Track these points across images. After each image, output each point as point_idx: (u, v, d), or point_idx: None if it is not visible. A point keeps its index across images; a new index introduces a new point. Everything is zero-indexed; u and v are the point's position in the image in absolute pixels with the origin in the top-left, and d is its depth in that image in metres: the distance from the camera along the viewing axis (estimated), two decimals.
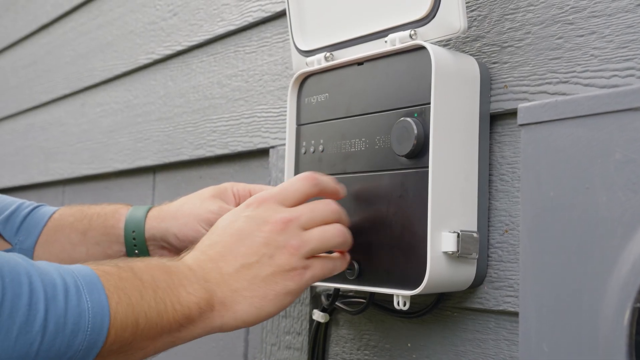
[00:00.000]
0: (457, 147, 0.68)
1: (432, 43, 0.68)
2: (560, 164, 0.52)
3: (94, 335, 0.54)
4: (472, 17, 0.74)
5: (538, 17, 0.68)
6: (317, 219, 0.67)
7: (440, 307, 0.75)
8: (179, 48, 1.27)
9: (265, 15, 1.05)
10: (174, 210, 0.83)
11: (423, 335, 0.77)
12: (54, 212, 0.89)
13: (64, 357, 0.53)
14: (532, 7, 0.69)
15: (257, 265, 0.64)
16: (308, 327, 0.90)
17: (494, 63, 0.72)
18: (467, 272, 0.69)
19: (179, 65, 1.28)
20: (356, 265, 0.73)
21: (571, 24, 0.65)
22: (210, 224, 0.80)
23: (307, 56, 0.83)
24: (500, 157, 0.71)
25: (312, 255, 0.67)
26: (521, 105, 0.56)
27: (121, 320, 0.56)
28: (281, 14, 1.03)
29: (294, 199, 0.68)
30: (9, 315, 0.50)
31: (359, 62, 0.76)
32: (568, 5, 0.66)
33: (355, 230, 0.72)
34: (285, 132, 0.97)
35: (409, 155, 0.68)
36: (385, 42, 0.73)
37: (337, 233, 0.68)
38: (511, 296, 0.69)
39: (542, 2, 0.68)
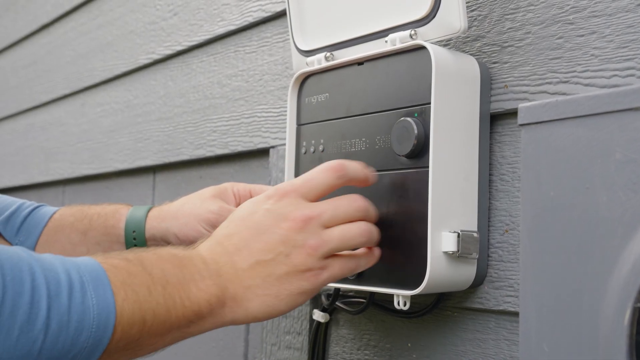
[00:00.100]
0: (457, 147, 0.68)
1: (432, 43, 0.68)
2: (560, 164, 0.52)
3: (99, 332, 0.53)
4: (472, 17, 0.74)
5: (538, 17, 0.68)
6: (340, 217, 0.64)
7: (441, 307, 0.75)
8: (179, 48, 1.27)
9: (265, 15, 1.05)
10: (175, 210, 0.83)
11: (423, 335, 0.77)
12: (54, 212, 0.89)
13: (69, 355, 0.52)
14: (532, 7, 0.69)
15: (272, 263, 0.62)
16: (308, 327, 0.90)
17: (494, 63, 0.72)
18: (467, 272, 0.69)
19: (179, 65, 1.28)
20: None
21: (571, 23, 0.65)
22: (210, 223, 0.80)
23: (308, 56, 0.83)
24: (501, 157, 0.71)
25: (332, 255, 0.64)
26: (521, 105, 0.56)
27: (128, 318, 0.55)
28: (281, 14, 1.03)
29: (317, 192, 0.65)
30: (9, 314, 0.49)
31: (359, 62, 0.76)
32: (568, 5, 0.66)
33: None
34: (285, 132, 0.97)
35: (409, 155, 0.68)
36: (386, 42, 0.73)
37: (360, 232, 0.65)
38: (511, 296, 0.69)
39: (543, 2, 0.68)
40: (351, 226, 0.65)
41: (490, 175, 0.72)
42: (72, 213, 0.88)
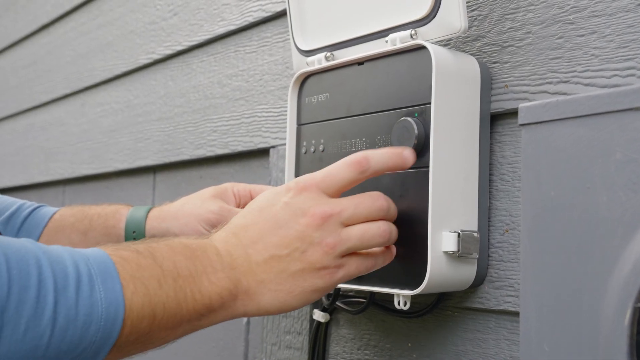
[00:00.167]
0: (457, 147, 0.68)
1: (432, 43, 0.68)
2: (560, 164, 0.52)
3: (108, 326, 0.52)
4: (472, 16, 0.74)
5: (539, 16, 0.68)
6: (360, 216, 0.63)
7: (441, 307, 0.75)
8: (180, 48, 1.27)
9: (265, 15, 1.05)
10: (175, 211, 0.83)
11: (423, 335, 0.77)
12: (54, 213, 0.89)
13: (78, 349, 0.51)
14: (532, 7, 0.69)
15: (287, 258, 0.61)
16: (308, 326, 0.90)
17: (495, 63, 0.72)
18: (467, 272, 0.69)
19: (180, 65, 1.28)
20: None
21: (572, 23, 0.65)
22: (210, 224, 0.80)
23: (308, 56, 0.83)
24: (501, 157, 0.71)
25: (349, 253, 0.63)
26: (522, 105, 0.56)
27: (137, 311, 0.54)
28: (282, 14, 1.03)
29: (338, 187, 0.63)
30: (15, 308, 0.49)
31: (360, 62, 0.76)
32: (569, 4, 0.66)
33: None
34: (285, 131, 0.97)
35: None
36: (386, 41, 0.73)
37: (379, 232, 0.63)
38: (512, 296, 0.69)
39: (543, 2, 0.68)
40: (371, 226, 0.63)
41: (490, 175, 0.72)
42: (72, 213, 0.88)
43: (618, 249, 0.48)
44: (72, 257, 0.54)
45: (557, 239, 0.52)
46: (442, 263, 0.66)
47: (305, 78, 0.83)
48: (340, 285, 0.76)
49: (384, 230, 0.64)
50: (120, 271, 0.54)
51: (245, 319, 1.05)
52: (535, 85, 0.68)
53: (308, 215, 0.61)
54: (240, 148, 1.09)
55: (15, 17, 2.05)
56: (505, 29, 0.71)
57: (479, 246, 0.69)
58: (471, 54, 0.73)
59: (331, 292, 0.83)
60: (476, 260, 0.69)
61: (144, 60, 1.38)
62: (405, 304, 0.69)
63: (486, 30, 0.73)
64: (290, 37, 0.85)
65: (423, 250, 0.66)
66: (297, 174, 0.82)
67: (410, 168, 0.69)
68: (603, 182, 0.49)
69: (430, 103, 0.67)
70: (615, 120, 0.49)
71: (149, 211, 0.85)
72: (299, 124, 0.83)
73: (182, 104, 1.26)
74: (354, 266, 0.63)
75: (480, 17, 0.74)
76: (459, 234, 0.66)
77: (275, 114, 1.03)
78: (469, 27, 0.74)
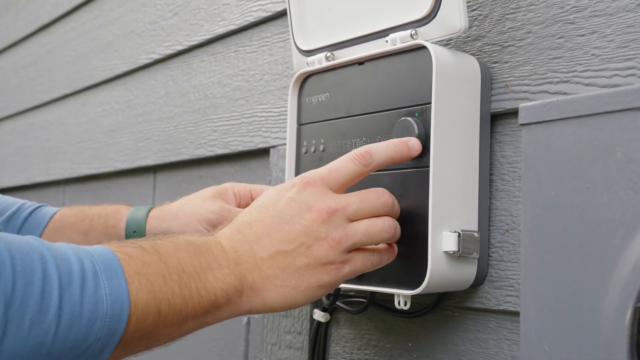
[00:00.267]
0: (458, 147, 0.68)
1: (433, 43, 0.68)
2: (561, 164, 0.52)
3: (113, 323, 0.52)
4: (472, 16, 0.74)
5: (539, 16, 0.68)
6: (365, 211, 0.63)
7: (441, 307, 0.75)
8: (180, 48, 1.27)
9: (265, 14, 1.05)
10: (175, 211, 0.83)
11: (424, 335, 0.77)
12: (55, 213, 0.89)
13: (83, 346, 0.51)
14: (533, 7, 0.69)
15: (292, 254, 0.60)
16: (309, 326, 0.90)
17: (495, 62, 0.72)
18: (467, 272, 0.69)
19: (180, 65, 1.28)
20: None
21: (572, 23, 0.65)
22: (211, 223, 0.80)
23: (308, 56, 0.83)
24: (501, 157, 0.71)
25: (354, 249, 0.63)
26: (522, 105, 0.56)
27: (142, 308, 0.54)
28: (282, 14, 1.03)
29: (343, 182, 0.63)
30: (20, 305, 0.48)
31: (360, 62, 0.76)
32: (569, 4, 0.66)
33: None
34: (285, 131, 0.97)
35: None
36: (386, 41, 0.73)
37: (384, 228, 0.63)
38: (512, 296, 0.69)
39: (543, 2, 0.68)
40: (376, 221, 0.63)
41: (490, 174, 0.72)
42: (72, 213, 0.88)
43: (619, 248, 0.48)
44: (77, 254, 0.53)
45: (557, 238, 0.52)
46: (442, 263, 0.66)
47: (306, 78, 0.83)
48: (341, 285, 0.76)
49: (390, 225, 0.64)
50: (125, 268, 0.54)
51: (245, 319, 1.05)
52: (536, 85, 0.68)
53: (314, 210, 0.61)
54: (240, 148, 1.09)
55: (16, 17, 2.05)
56: (505, 28, 0.71)
57: (479, 246, 0.69)
58: (471, 54, 0.73)
59: (331, 292, 0.83)
60: (476, 260, 0.69)
61: (144, 60, 1.38)
62: (405, 304, 0.69)
63: (486, 30, 0.73)
64: (291, 37, 0.85)
65: (423, 250, 0.66)
66: (297, 174, 0.82)
67: (411, 168, 0.69)
68: (604, 182, 0.49)
69: (430, 103, 0.67)
70: (616, 120, 0.49)
71: (149, 211, 0.85)
72: (299, 124, 0.83)
73: (183, 103, 1.26)
74: (360, 262, 0.63)
75: (481, 17, 0.74)
76: (459, 233, 0.66)
77: (276, 114, 1.03)
78: (469, 27, 0.74)
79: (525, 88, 0.69)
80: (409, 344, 0.79)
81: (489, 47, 0.73)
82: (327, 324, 0.88)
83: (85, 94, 1.64)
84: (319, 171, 0.64)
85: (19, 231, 0.87)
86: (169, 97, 1.31)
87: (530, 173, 0.55)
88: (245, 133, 1.08)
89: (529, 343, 0.53)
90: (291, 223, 0.61)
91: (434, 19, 0.68)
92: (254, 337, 1.03)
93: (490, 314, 0.71)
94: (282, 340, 0.94)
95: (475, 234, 0.68)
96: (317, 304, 0.89)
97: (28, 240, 0.53)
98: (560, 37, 0.66)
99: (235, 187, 0.85)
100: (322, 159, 0.79)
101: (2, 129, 2.11)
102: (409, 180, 0.69)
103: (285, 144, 0.96)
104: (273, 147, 1.02)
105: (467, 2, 0.74)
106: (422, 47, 0.68)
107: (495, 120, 0.72)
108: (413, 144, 0.66)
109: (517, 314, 0.68)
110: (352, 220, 0.62)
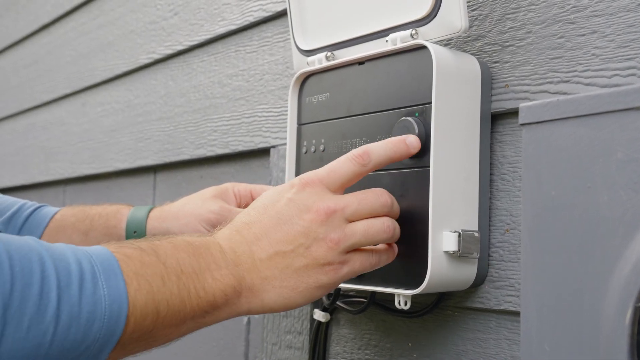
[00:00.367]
0: (458, 147, 0.68)
1: (433, 42, 0.68)
2: (561, 164, 0.52)
3: (112, 324, 0.52)
4: (473, 16, 0.74)
5: (539, 16, 0.68)
6: (364, 212, 0.63)
7: (441, 307, 0.75)
8: (180, 48, 1.27)
9: (266, 14, 1.05)
10: (175, 211, 0.83)
11: (424, 335, 0.77)
12: (55, 213, 0.89)
13: (82, 347, 0.51)
14: (533, 7, 0.69)
15: (291, 254, 0.61)
16: (309, 326, 0.90)
17: (495, 62, 0.72)
18: (468, 272, 0.69)
19: (180, 65, 1.28)
20: None
21: (572, 23, 0.65)
22: (211, 223, 0.80)
23: (308, 56, 0.83)
24: (502, 157, 0.71)
25: (353, 249, 0.63)
26: (522, 105, 0.56)
27: (141, 309, 0.54)
28: (282, 14, 1.03)
29: (341, 182, 0.63)
30: (18, 306, 0.48)
31: (360, 62, 0.76)
32: (569, 4, 0.66)
33: None
34: (286, 131, 0.97)
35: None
36: (387, 41, 0.73)
37: (383, 228, 0.63)
38: (512, 296, 0.69)
39: (543, 2, 0.68)
40: (375, 221, 0.63)
41: (491, 174, 0.72)
42: (73, 213, 0.88)
43: (619, 248, 0.48)
44: (75, 255, 0.53)
45: (557, 238, 0.52)
46: (442, 263, 0.66)
47: (306, 78, 0.83)
48: (341, 285, 0.76)
49: (388, 226, 0.64)
50: (124, 268, 0.54)
51: (245, 319, 1.05)
52: (536, 85, 0.68)
53: (312, 211, 0.61)
54: (240, 148, 1.09)
55: (16, 17, 2.06)
56: (505, 28, 0.71)
57: (480, 246, 0.69)
58: (472, 54, 0.73)
59: (331, 292, 0.83)
60: (477, 260, 0.69)
61: (144, 60, 1.38)
62: (405, 304, 0.69)
63: (487, 30, 0.73)
64: (291, 36, 0.85)
65: (424, 250, 0.66)
66: (297, 174, 0.82)
67: (411, 168, 0.69)
68: (604, 182, 0.49)
69: (430, 103, 0.67)
70: (616, 119, 0.49)
71: (149, 211, 0.85)
72: (300, 124, 0.83)
73: (183, 103, 1.26)
74: (358, 262, 0.63)
75: (481, 16, 0.74)
76: (459, 233, 0.66)
77: (276, 114, 1.03)
78: (470, 27, 0.74)
79: (525, 88, 0.69)
80: (409, 344, 0.79)
81: (489, 47, 0.73)
82: (328, 323, 0.88)
83: (85, 94, 1.64)
84: (318, 172, 0.64)
85: (19, 231, 0.87)
86: (169, 97, 1.31)
87: (530, 173, 0.55)
88: (246, 133, 1.09)
89: (529, 343, 0.53)
90: (290, 224, 0.61)
91: (434, 19, 0.68)
92: (254, 337, 1.03)
93: (491, 313, 0.71)
94: (282, 340, 0.94)
95: (476, 234, 0.68)
96: (317, 303, 0.89)
97: (27, 241, 0.52)
98: (561, 37, 0.66)
99: (236, 187, 0.85)
100: (322, 159, 0.79)
101: (3, 129, 2.11)
102: (409, 180, 0.69)
103: (285, 144, 0.96)
104: (273, 147, 1.02)
105: (468, 2, 0.74)
106: (423, 47, 0.68)
107: (495, 120, 0.72)
108: (412, 141, 0.66)
109: (517, 313, 0.68)
110: (350, 220, 0.62)
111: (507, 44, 0.71)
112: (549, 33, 0.67)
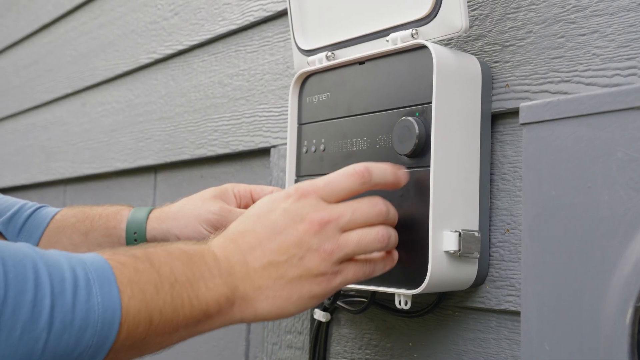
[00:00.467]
0: (458, 147, 0.68)
1: (433, 42, 0.68)
2: (562, 163, 0.52)
3: (104, 331, 0.52)
4: (473, 16, 0.74)
5: (540, 16, 0.68)
6: (358, 221, 0.62)
7: (442, 307, 0.75)
8: (180, 47, 1.27)
9: (266, 14, 1.05)
10: (175, 212, 0.83)
11: (424, 335, 0.77)
12: (56, 213, 0.89)
13: (73, 354, 0.51)
14: (533, 6, 0.69)
15: (285, 265, 0.61)
16: (309, 326, 0.90)
17: (496, 62, 0.72)
18: (468, 272, 0.69)
19: (180, 65, 1.28)
20: None
21: (573, 22, 0.65)
22: (211, 224, 0.80)
23: (309, 55, 0.83)
24: (502, 157, 0.71)
25: (347, 259, 0.63)
26: (523, 104, 0.56)
27: (134, 317, 0.54)
28: (282, 13, 1.03)
29: (338, 196, 0.63)
30: (11, 312, 0.48)
31: (361, 62, 0.76)
32: (570, 4, 0.66)
33: None
34: (286, 131, 0.97)
35: (410, 155, 0.68)
36: (387, 41, 0.73)
37: (377, 238, 0.63)
38: (513, 295, 0.69)
39: (544, 1, 0.68)
40: (369, 231, 0.63)
41: (491, 174, 0.72)
42: (73, 214, 0.88)
43: (619, 248, 0.48)
44: (70, 262, 0.53)
45: (558, 238, 0.52)
46: (443, 262, 0.66)
47: (306, 77, 0.83)
48: None
49: (383, 235, 0.63)
50: (118, 276, 0.54)
51: None
52: (537, 85, 0.68)
53: (306, 222, 0.61)
54: (241, 148, 1.09)
55: (17, 17, 2.06)
56: (506, 28, 0.71)
57: (480, 246, 0.69)
58: (472, 54, 0.73)
59: None
60: (477, 259, 0.69)
61: (145, 60, 1.38)
62: (406, 304, 0.69)
63: (487, 30, 0.73)
64: (291, 36, 0.85)
65: (424, 250, 0.66)
66: (298, 174, 0.82)
67: (412, 167, 0.69)
68: (604, 182, 0.49)
69: (431, 102, 0.67)
70: (617, 119, 0.49)
71: (149, 212, 0.85)
72: (300, 124, 0.83)
73: (183, 103, 1.26)
74: (352, 272, 0.63)
75: (482, 16, 0.74)
76: (459, 233, 0.66)
77: (276, 114, 1.03)
78: (470, 27, 0.74)
79: (526, 87, 0.69)
80: (410, 344, 0.79)
81: (489, 46, 0.73)
82: (328, 323, 0.88)
83: (86, 94, 1.64)
84: (315, 182, 0.64)
85: (19, 231, 0.87)
86: (169, 97, 1.31)
87: (531, 172, 0.55)
88: (246, 133, 1.08)
89: (529, 342, 0.53)
90: (284, 234, 0.61)
91: (435, 19, 0.68)
92: (255, 336, 1.03)
93: (491, 313, 0.71)
94: (282, 340, 0.94)
95: (476, 234, 0.68)
96: None
97: (21, 247, 0.52)
98: (561, 37, 0.66)
99: (236, 188, 0.85)
100: (322, 159, 0.79)
101: (3, 129, 2.11)
102: (409, 180, 0.69)
103: (285, 144, 0.96)
104: (274, 146, 1.02)
105: (468, 2, 0.74)
106: (423, 47, 0.68)
107: (496, 120, 0.72)
108: (401, 175, 0.66)
109: (517, 313, 0.68)
110: (345, 230, 0.62)
111: (508, 43, 0.71)
112: (550, 33, 0.67)
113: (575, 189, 0.51)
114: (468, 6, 0.73)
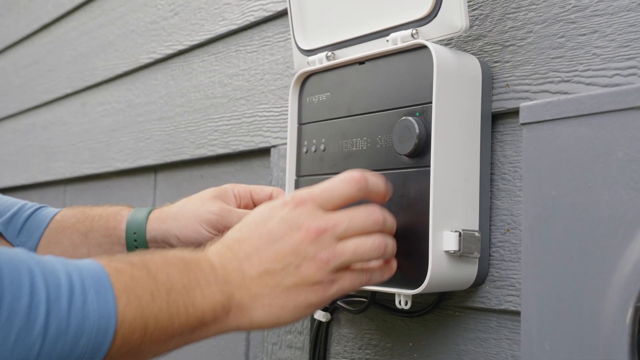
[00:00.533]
0: (458, 146, 0.68)
1: (433, 42, 0.68)
2: (562, 163, 0.52)
3: (100, 338, 0.52)
4: (473, 16, 0.74)
5: (540, 16, 0.68)
6: (355, 230, 0.62)
7: (442, 306, 0.75)
8: (180, 47, 1.27)
9: (266, 14, 1.05)
10: (175, 212, 0.83)
11: (425, 335, 0.77)
12: (55, 214, 0.89)
13: None
14: (534, 6, 0.69)
15: (281, 273, 0.61)
16: (309, 326, 0.90)
17: (496, 62, 0.72)
18: (468, 271, 0.69)
19: (180, 65, 1.28)
20: None
21: (573, 22, 0.65)
22: (211, 224, 0.80)
23: (309, 55, 0.83)
24: (502, 156, 0.71)
25: (344, 268, 0.63)
26: (523, 104, 0.56)
27: (129, 324, 0.54)
28: (283, 13, 1.03)
29: (335, 203, 0.63)
30: (7, 318, 0.48)
31: (361, 62, 0.76)
32: (570, 4, 0.66)
33: None
34: (286, 131, 0.97)
35: (410, 155, 0.68)
36: (387, 41, 0.73)
37: (373, 246, 0.63)
38: (513, 295, 0.69)
39: (544, 1, 0.68)
40: (366, 240, 0.63)
41: (491, 174, 0.72)
42: (73, 214, 0.88)
43: (619, 248, 0.48)
44: (66, 268, 0.53)
45: (558, 238, 0.52)
46: (443, 262, 0.66)
47: (306, 77, 0.83)
48: None
49: (379, 243, 0.63)
50: (114, 283, 0.54)
51: None
52: (537, 85, 0.68)
53: (302, 230, 0.61)
54: (241, 147, 1.09)
55: (17, 17, 2.06)
56: (506, 28, 0.71)
57: (480, 245, 0.69)
58: (472, 53, 0.73)
59: None
60: (477, 259, 0.69)
61: (145, 60, 1.38)
62: (406, 304, 0.69)
63: (487, 30, 0.73)
64: (291, 36, 0.85)
65: (424, 250, 0.66)
66: (298, 173, 0.82)
67: (412, 167, 0.69)
68: (604, 181, 0.49)
69: (431, 102, 0.67)
70: (617, 119, 0.49)
71: (149, 213, 0.85)
72: (300, 124, 0.83)
73: (183, 103, 1.26)
74: (348, 281, 0.63)
75: (482, 16, 0.74)
76: (460, 233, 0.66)
77: (276, 114, 1.03)
78: (470, 27, 0.74)
79: (526, 87, 0.69)
80: (410, 344, 0.79)
81: (490, 46, 0.73)
82: (328, 323, 0.88)
83: (86, 94, 1.64)
84: (312, 190, 0.64)
85: (19, 231, 0.86)
86: (169, 97, 1.31)
87: (531, 172, 0.55)
88: (246, 133, 1.08)
89: (529, 342, 0.53)
90: (281, 242, 0.61)
91: (435, 19, 0.68)
92: (255, 336, 1.03)
93: (491, 313, 0.71)
94: (282, 340, 0.94)
95: (476, 234, 0.68)
96: None
97: (17, 253, 0.52)
98: (562, 37, 0.66)
99: (236, 188, 0.85)
100: (322, 159, 0.79)
101: (3, 129, 2.11)
102: (409, 180, 0.69)
103: (286, 144, 0.96)
104: (274, 146, 1.02)
105: (468, 2, 0.74)
106: (423, 47, 0.68)
107: (496, 120, 0.72)
108: (390, 187, 0.67)
109: (518, 313, 0.68)
110: (341, 239, 0.62)
111: (508, 43, 0.71)
112: (550, 33, 0.67)
113: (575, 189, 0.51)
114: (468, 6, 0.73)
